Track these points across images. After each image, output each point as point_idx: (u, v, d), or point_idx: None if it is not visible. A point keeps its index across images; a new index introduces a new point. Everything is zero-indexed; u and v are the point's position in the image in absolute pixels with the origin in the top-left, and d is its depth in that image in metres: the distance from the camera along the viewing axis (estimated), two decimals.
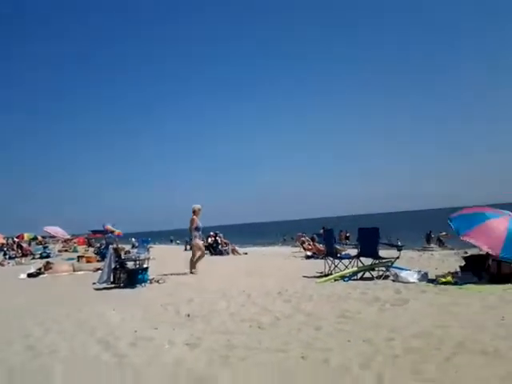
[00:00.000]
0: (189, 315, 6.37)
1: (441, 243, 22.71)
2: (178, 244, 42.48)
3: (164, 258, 19.51)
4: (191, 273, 11.94)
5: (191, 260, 12.23)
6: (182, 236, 45.70)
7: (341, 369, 3.84)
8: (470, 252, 13.13)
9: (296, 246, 22.35)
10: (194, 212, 12.32)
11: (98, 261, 17.16)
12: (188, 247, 28.23)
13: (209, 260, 12.30)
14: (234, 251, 21.14)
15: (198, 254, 12.30)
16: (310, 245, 18.24)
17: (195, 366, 4.12)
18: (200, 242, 12.54)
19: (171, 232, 67.07)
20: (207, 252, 21.04)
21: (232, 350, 4.53)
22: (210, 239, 22.54)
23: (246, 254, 21.26)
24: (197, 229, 12.26)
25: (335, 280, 9.40)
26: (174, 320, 6.17)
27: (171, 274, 11.62)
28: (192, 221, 12.21)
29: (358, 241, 10.75)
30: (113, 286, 9.95)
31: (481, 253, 9.31)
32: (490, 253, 8.39)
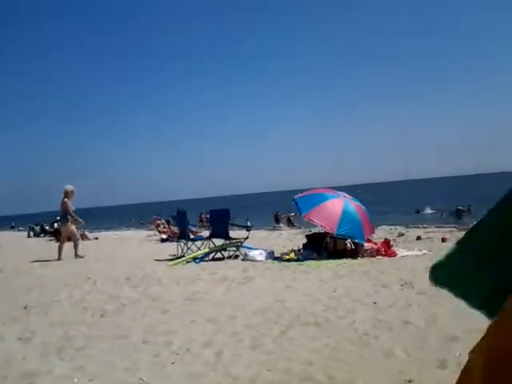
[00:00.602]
0: (26, 307, 5.86)
1: (290, 223, 24.11)
2: (21, 231, 38.84)
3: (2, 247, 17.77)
4: (81, 257, 11.15)
5: (75, 245, 11.33)
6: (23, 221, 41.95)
7: (181, 349, 3.88)
8: (314, 230, 14.17)
9: (151, 230, 21.91)
10: (67, 194, 11.18)
11: None
12: (32, 234, 26.05)
13: (54, 247, 11.43)
14: (82, 236, 19.94)
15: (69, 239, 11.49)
16: (165, 227, 18.04)
17: (27, 361, 3.81)
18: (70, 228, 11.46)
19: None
20: (53, 239, 19.64)
21: (69, 341, 4.28)
22: (55, 225, 21.05)
23: (96, 239, 20.21)
24: (69, 213, 11.24)
25: (187, 262, 9.45)
26: (9, 313, 5.62)
27: (8, 264, 10.58)
28: (64, 204, 11.07)
29: (209, 222, 10.92)
30: None
31: (321, 231, 10.12)
32: (327, 231, 9.18)
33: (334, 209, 9.44)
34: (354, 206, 9.81)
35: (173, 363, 3.59)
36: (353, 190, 15.38)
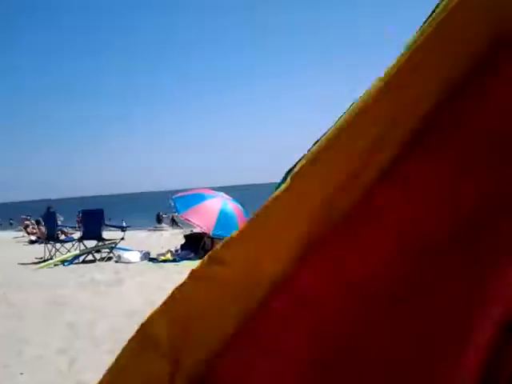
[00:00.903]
0: None
1: (174, 223, 23.76)
2: None
3: None
4: None
5: None
6: None
7: (34, 358, 3.63)
8: (196, 231, 14.10)
9: (20, 231, 20.24)
10: None
11: None
12: None
13: None
14: None
15: None
16: (34, 228, 16.79)
17: None
18: None
19: None
20: None
21: None
22: None
23: None
24: None
25: (55, 265, 8.90)
26: None
27: None
28: None
29: (81, 223, 10.41)
30: None
31: (200, 231, 10.13)
32: (204, 230, 9.22)
33: (212, 209, 9.50)
34: (231, 206, 9.96)
35: (22, 373, 3.34)
36: (231, 191, 15.61)
